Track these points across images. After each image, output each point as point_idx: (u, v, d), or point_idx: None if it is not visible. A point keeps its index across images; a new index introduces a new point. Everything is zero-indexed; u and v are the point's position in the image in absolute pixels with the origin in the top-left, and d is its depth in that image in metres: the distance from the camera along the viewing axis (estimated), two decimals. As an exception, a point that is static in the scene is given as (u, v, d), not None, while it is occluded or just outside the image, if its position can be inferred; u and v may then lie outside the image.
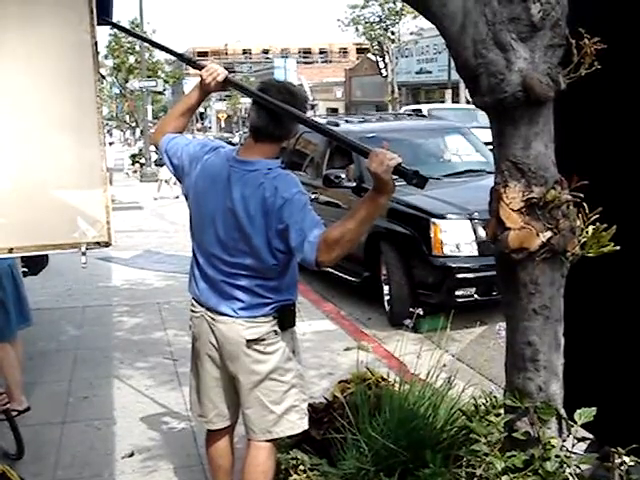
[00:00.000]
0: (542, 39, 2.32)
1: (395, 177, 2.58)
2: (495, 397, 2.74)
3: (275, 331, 3.06)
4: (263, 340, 3.04)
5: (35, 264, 5.04)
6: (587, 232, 2.44)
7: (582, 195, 2.42)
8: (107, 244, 2.95)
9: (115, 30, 34.19)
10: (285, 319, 3.09)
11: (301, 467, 3.37)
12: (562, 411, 2.56)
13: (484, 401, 2.72)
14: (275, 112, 2.92)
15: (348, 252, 2.79)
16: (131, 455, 4.26)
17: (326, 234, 2.72)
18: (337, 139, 3.11)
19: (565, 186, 2.42)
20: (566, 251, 2.43)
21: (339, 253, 2.73)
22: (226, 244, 3.01)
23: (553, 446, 2.44)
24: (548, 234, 2.38)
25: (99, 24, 3.00)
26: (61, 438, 4.49)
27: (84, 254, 2.86)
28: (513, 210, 2.39)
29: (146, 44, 27.51)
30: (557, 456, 2.42)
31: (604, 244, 2.44)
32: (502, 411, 2.64)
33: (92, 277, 8.77)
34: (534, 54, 2.32)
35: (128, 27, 35.40)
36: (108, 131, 47.44)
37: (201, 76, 3.14)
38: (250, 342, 3.02)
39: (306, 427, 3.22)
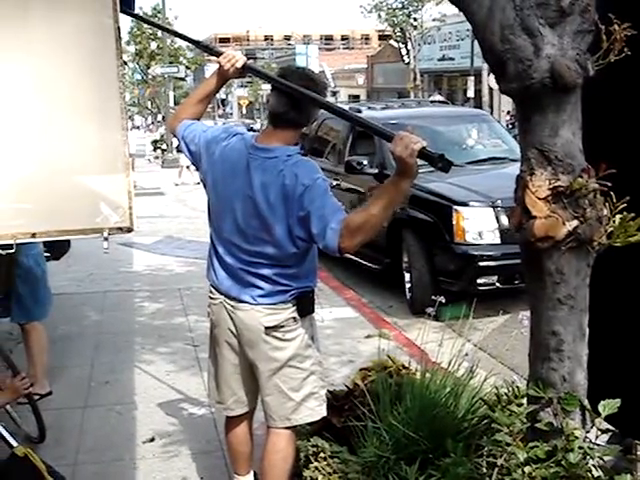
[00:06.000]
0: (571, 25, 2.28)
1: (421, 163, 2.53)
2: (517, 387, 2.72)
3: (294, 318, 3.05)
4: (282, 327, 3.03)
5: (57, 249, 5.07)
6: (614, 221, 2.41)
7: (609, 184, 2.38)
8: (129, 229, 2.95)
9: (138, 16, 34.36)
10: (304, 306, 3.08)
11: (321, 454, 3.37)
12: (586, 402, 2.53)
13: (506, 391, 2.71)
14: (295, 98, 2.89)
15: (371, 238, 2.76)
16: (152, 440, 4.28)
17: (349, 220, 2.69)
18: (360, 123, 3.08)
19: (592, 174, 2.38)
20: (592, 240, 2.40)
21: (362, 239, 2.70)
22: (245, 232, 3.00)
23: (576, 437, 2.42)
24: (574, 223, 2.35)
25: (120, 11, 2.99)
26: (82, 422, 4.52)
27: (106, 239, 2.86)
28: (539, 198, 2.36)
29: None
30: (580, 447, 2.40)
31: (631, 234, 2.40)
32: (525, 401, 2.62)
33: (114, 262, 8.80)
34: (562, 40, 2.28)
35: (150, 14, 35.56)
36: (130, 117, 47.61)
37: (219, 63, 3.13)
38: (269, 329, 3.02)
39: (325, 414, 3.22)
